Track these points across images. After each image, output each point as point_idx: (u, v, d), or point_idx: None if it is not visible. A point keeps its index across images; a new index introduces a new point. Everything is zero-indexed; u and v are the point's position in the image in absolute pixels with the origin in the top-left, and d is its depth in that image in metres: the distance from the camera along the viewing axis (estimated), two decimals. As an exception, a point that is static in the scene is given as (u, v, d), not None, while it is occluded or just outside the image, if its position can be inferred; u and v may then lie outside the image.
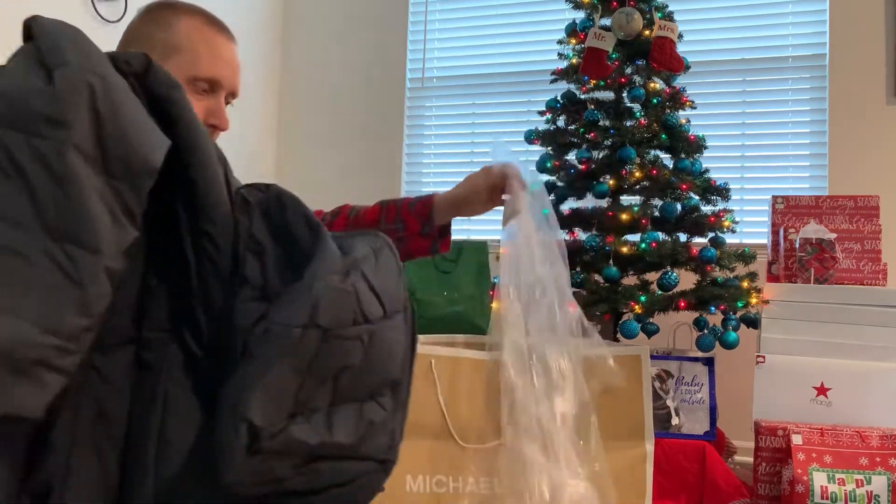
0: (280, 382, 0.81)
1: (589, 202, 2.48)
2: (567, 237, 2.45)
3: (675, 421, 2.16)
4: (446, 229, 1.46)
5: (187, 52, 1.32)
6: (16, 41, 0.88)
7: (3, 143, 0.74)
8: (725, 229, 2.41)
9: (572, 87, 2.57)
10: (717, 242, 2.38)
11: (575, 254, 2.41)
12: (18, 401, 0.70)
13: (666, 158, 2.47)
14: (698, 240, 2.42)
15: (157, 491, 0.82)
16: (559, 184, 2.53)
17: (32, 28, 0.82)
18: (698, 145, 2.46)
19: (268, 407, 0.80)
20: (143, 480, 0.83)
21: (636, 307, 2.23)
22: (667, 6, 2.50)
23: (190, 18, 1.34)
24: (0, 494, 0.74)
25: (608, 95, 2.53)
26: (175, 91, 0.87)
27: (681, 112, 2.48)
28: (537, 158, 2.55)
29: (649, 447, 1.94)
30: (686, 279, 2.36)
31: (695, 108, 2.51)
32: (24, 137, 0.74)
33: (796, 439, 1.85)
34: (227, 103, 1.44)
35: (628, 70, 2.51)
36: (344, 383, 0.85)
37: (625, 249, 2.29)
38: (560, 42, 2.62)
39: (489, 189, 1.43)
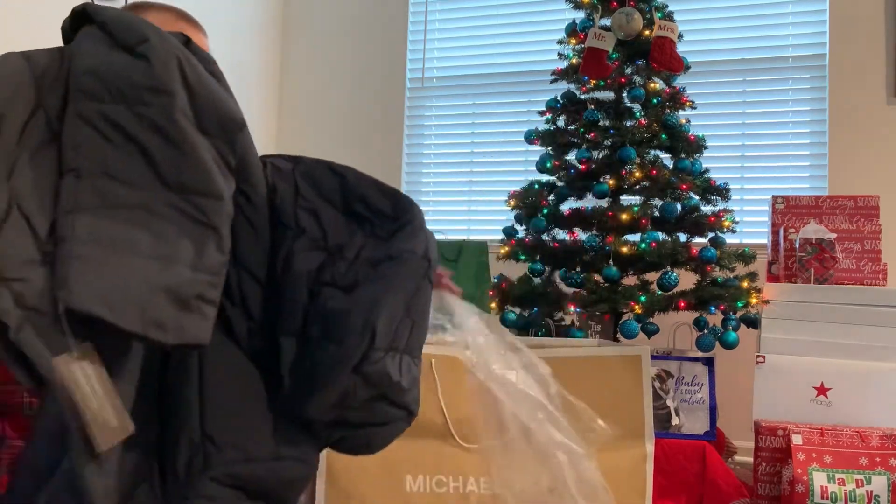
0: (395, 308, 0.92)
1: (589, 202, 2.47)
2: (567, 237, 2.44)
3: (675, 421, 2.16)
4: None
5: None
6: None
7: (105, 115, 0.81)
8: (725, 229, 2.41)
9: (572, 87, 2.57)
10: (717, 242, 2.38)
11: (575, 254, 2.41)
12: (191, 332, 0.80)
13: (666, 158, 2.47)
14: (698, 240, 2.42)
15: (202, 429, 0.89)
16: (559, 184, 2.53)
17: (89, 13, 0.88)
18: (698, 145, 2.46)
19: (385, 328, 0.91)
20: (188, 421, 0.89)
21: (636, 307, 2.23)
22: (667, 6, 2.50)
23: (160, 13, 1.39)
24: (127, 403, 0.81)
25: (608, 95, 2.53)
26: (215, 66, 0.94)
27: (681, 112, 2.48)
28: (537, 158, 2.55)
29: (649, 447, 1.95)
30: (686, 279, 2.36)
31: (695, 108, 2.51)
32: (127, 108, 0.82)
33: (796, 439, 1.85)
34: None
35: (628, 70, 2.51)
36: (415, 332, 0.97)
37: (625, 249, 2.29)
38: (560, 42, 2.62)
39: None
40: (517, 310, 2.46)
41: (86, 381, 0.74)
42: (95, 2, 0.92)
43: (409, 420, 0.99)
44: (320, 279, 0.92)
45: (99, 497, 0.78)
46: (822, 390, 2.03)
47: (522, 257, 2.49)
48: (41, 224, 0.77)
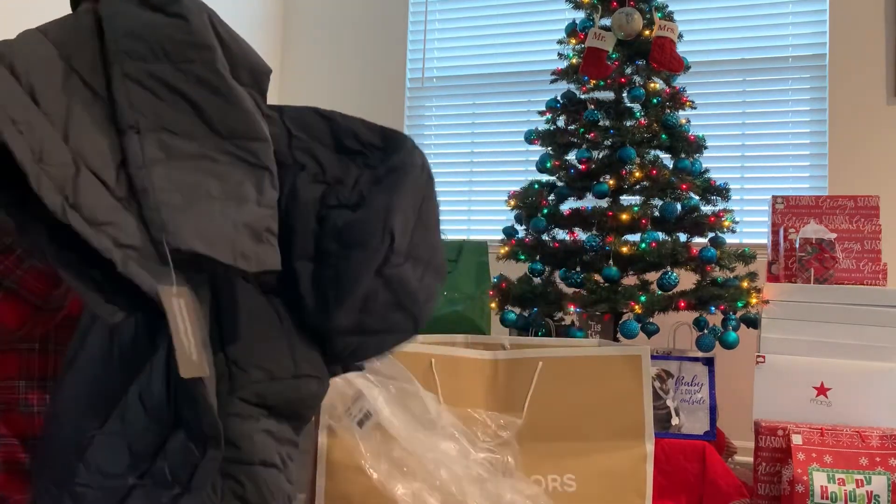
0: (407, 213, 0.98)
1: (589, 202, 2.47)
2: (567, 237, 2.45)
3: (675, 421, 2.16)
4: None
5: None
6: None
7: (152, 74, 0.88)
8: (725, 229, 2.41)
9: (572, 87, 2.57)
10: (717, 242, 2.38)
11: (575, 254, 2.41)
12: (266, 260, 0.88)
13: (666, 158, 2.47)
14: (698, 240, 2.42)
15: (226, 355, 0.94)
16: (559, 184, 2.53)
17: None
18: (698, 145, 2.46)
19: (401, 232, 0.97)
20: (215, 356, 0.94)
21: (636, 307, 2.23)
22: (667, 6, 2.50)
23: None
24: (205, 334, 0.88)
25: (608, 95, 2.53)
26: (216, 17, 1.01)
27: (681, 112, 2.48)
28: (537, 158, 2.55)
29: (649, 447, 1.95)
30: (686, 279, 2.36)
31: (695, 108, 2.51)
32: (171, 65, 0.88)
33: (796, 439, 1.85)
34: None
35: (628, 70, 2.51)
36: (430, 241, 1.03)
37: (625, 249, 2.29)
38: (560, 42, 2.61)
39: None
40: (517, 310, 2.46)
41: (181, 315, 0.82)
42: None
43: (415, 331, 1.05)
44: (326, 204, 0.99)
45: (214, 401, 0.87)
46: (822, 390, 2.03)
47: (522, 257, 2.49)
48: (109, 176, 0.84)
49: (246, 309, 0.97)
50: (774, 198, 2.37)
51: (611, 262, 2.30)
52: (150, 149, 0.85)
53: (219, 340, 0.95)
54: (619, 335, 2.31)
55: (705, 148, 2.48)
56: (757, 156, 3.02)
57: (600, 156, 2.45)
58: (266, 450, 0.95)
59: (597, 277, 2.32)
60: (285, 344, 0.97)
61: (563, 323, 2.47)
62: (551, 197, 2.51)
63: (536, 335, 2.38)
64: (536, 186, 2.55)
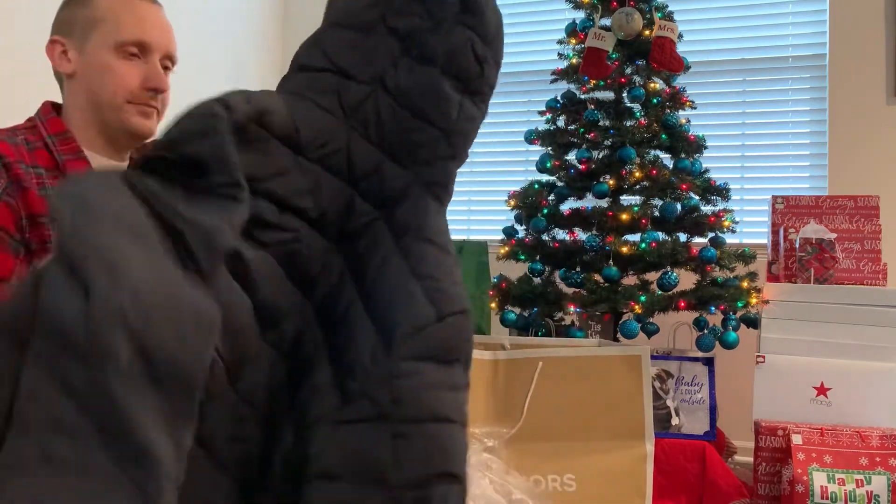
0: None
1: (589, 202, 2.47)
2: (567, 237, 2.44)
3: (675, 421, 2.16)
4: None
5: (109, 21, 1.38)
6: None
7: (57, 367, 0.76)
8: (725, 229, 2.41)
9: (572, 87, 2.57)
10: (717, 242, 2.38)
11: (575, 254, 2.41)
12: None
13: (666, 158, 2.47)
14: (698, 240, 2.42)
15: (375, 326, 0.98)
16: (559, 184, 2.53)
17: (55, 217, 0.81)
18: (698, 145, 2.46)
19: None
20: (360, 324, 0.97)
21: (636, 307, 2.23)
22: (667, 6, 2.50)
23: None
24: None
25: (608, 95, 2.53)
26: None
27: (681, 112, 2.47)
28: (537, 158, 2.55)
29: (649, 447, 1.95)
30: (686, 279, 2.36)
31: (695, 108, 2.51)
32: (75, 362, 0.76)
33: (796, 439, 1.85)
34: (167, 68, 1.46)
35: (628, 70, 2.51)
36: None
37: (625, 249, 2.29)
38: (560, 42, 2.61)
39: None
40: (517, 310, 2.46)
41: None
42: None
43: None
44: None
45: None
46: (822, 390, 2.03)
47: (522, 257, 2.49)
48: None
49: (384, 271, 0.98)
50: (774, 198, 2.37)
51: (611, 262, 2.30)
52: (27, 450, 0.74)
53: (365, 309, 0.96)
54: (619, 335, 2.31)
55: (705, 148, 2.48)
56: (757, 156, 3.02)
57: (600, 156, 2.45)
58: (437, 405, 0.95)
59: (597, 277, 2.32)
60: (416, 295, 0.98)
61: (563, 323, 2.46)
62: (551, 197, 2.51)
63: (536, 335, 2.38)
64: (536, 186, 2.55)
